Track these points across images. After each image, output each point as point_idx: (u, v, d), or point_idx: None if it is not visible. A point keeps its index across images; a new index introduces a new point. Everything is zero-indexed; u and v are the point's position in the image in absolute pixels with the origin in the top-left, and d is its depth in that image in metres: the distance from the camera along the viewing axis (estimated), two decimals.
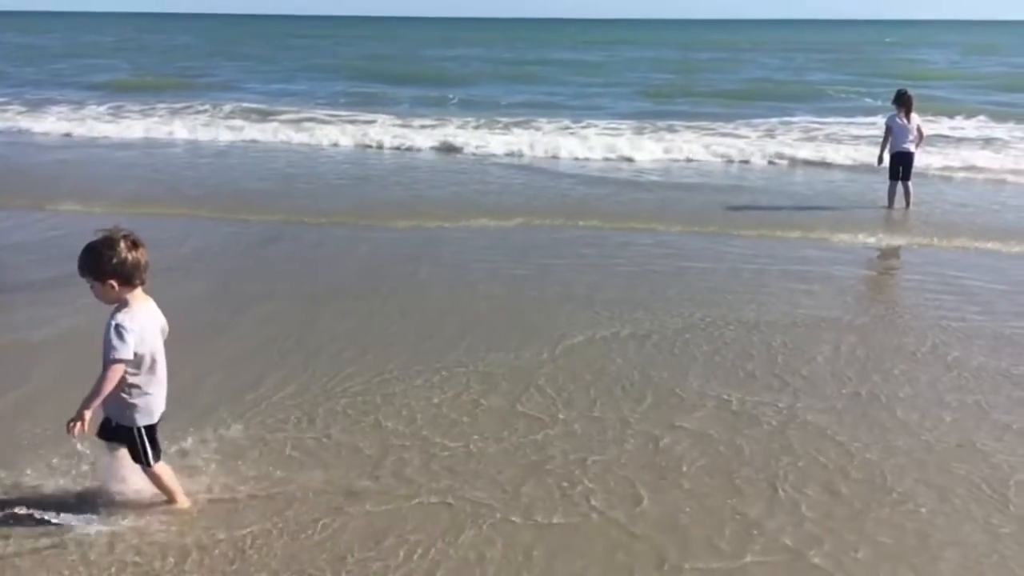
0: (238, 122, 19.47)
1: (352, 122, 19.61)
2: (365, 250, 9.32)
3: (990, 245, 9.60)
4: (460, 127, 19.00)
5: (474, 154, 16.16)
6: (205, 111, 21.46)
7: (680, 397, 5.53)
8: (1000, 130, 19.69)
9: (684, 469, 4.66)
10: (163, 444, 4.12)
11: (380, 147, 16.88)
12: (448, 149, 16.60)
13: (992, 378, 5.89)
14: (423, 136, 17.53)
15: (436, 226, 10.33)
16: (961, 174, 14.26)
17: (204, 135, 18.08)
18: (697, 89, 29.32)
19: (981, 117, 21.63)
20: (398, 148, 16.80)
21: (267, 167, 14.82)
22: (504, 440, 4.92)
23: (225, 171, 14.52)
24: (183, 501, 4.11)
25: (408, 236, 9.98)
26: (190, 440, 4.72)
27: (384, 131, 18.16)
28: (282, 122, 19.50)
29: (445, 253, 9.18)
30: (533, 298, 7.59)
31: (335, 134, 17.77)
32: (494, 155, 15.97)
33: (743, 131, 19.02)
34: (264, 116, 20.58)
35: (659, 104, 24.52)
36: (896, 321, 7.28)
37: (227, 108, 21.84)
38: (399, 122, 19.74)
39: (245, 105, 22.43)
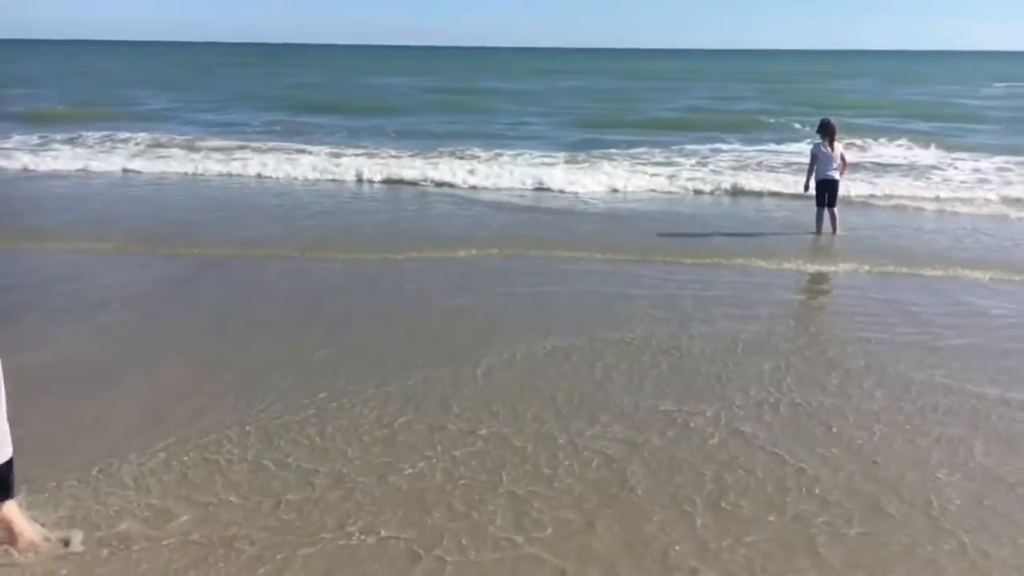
0: (168, 152, 19.12)
1: (286, 152, 19.40)
2: (299, 282, 9.15)
3: (912, 269, 9.87)
4: (396, 157, 18.92)
5: (411, 184, 16.03)
6: (134, 141, 21.03)
7: (622, 412, 5.56)
8: (923, 156, 20.41)
9: (629, 486, 4.68)
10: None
11: (315, 178, 16.66)
12: (385, 180, 16.44)
13: (922, 390, 6.09)
14: (359, 167, 17.35)
15: (374, 258, 10.20)
16: (884, 200, 14.68)
17: (134, 166, 17.65)
18: (631, 118, 29.78)
19: (902, 142, 22.44)
20: (333, 179, 16.58)
21: (199, 199, 14.54)
22: (425, 466, 4.84)
23: (155, 204, 14.16)
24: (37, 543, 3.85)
25: (343, 269, 9.83)
26: (80, 477, 4.56)
27: (319, 162, 17.96)
28: (213, 153, 19.16)
29: (381, 284, 9.09)
30: (467, 323, 7.55)
31: (268, 165, 17.49)
32: (431, 185, 15.90)
33: (677, 159, 19.37)
34: (195, 147, 20.25)
35: (594, 133, 24.74)
36: (825, 340, 7.49)
37: (157, 138, 21.44)
38: (334, 152, 19.58)
39: (176, 136, 22.06)
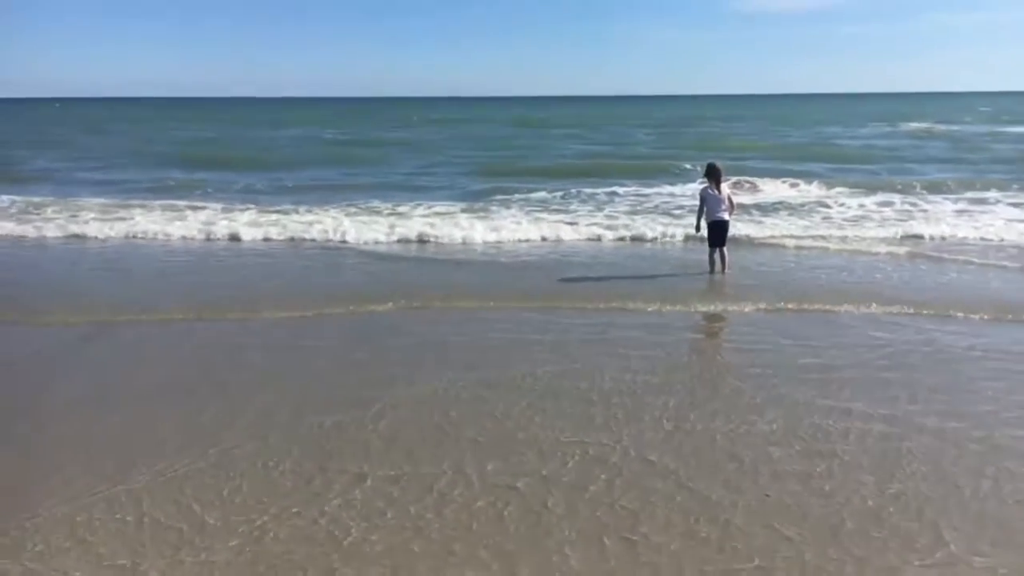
0: (54, 215, 18.26)
1: (175, 210, 18.81)
2: (189, 344, 8.80)
3: (800, 304, 10.20)
4: (291, 212, 18.53)
5: (308, 241, 15.61)
6: (16, 204, 20.03)
7: (526, 450, 5.52)
8: (807, 196, 21.34)
9: (544, 520, 4.82)
10: None
11: (204, 236, 16.03)
12: (279, 237, 15.91)
13: (821, 412, 6.33)
14: (252, 224, 16.89)
15: (269, 316, 9.92)
16: (771, 239, 15.18)
17: (15, 231, 16.69)
18: (529, 166, 30.25)
19: (787, 182, 23.44)
20: (227, 238, 15.95)
21: (86, 263, 13.87)
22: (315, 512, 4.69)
23: (38, 269, 13.51)
24: None
25: (235, 328, 9.52)
26: None
27: (209, 219, 17.47)
28: (95, 213, 18.36)
29: (275, 341, 8.83)
30: (366, 375, 7.40)
31: (158, 224, 16.85)
32: (328, 241, 15.53)
33: (574, 205, 19.68)
34: (77, 207, 19.38)
35: (493, 182, 24.90)
36: (724, 374, 7.72)
37: (40, 200, 20.47)
38: (226, 208, 19.10)
39: (61, 197, 21.12)
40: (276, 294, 11.07)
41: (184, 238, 15.97)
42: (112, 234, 16.24)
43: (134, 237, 16.06)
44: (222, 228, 16.39)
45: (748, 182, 23.27)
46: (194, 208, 19.14)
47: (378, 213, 18.42)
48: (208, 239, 15.86)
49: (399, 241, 15.37)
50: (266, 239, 15.74)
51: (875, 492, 5.25)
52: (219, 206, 19.51)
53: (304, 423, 6.41)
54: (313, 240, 15.57)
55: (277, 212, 18.44)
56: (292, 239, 15.67)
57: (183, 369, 7.99)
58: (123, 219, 17.46)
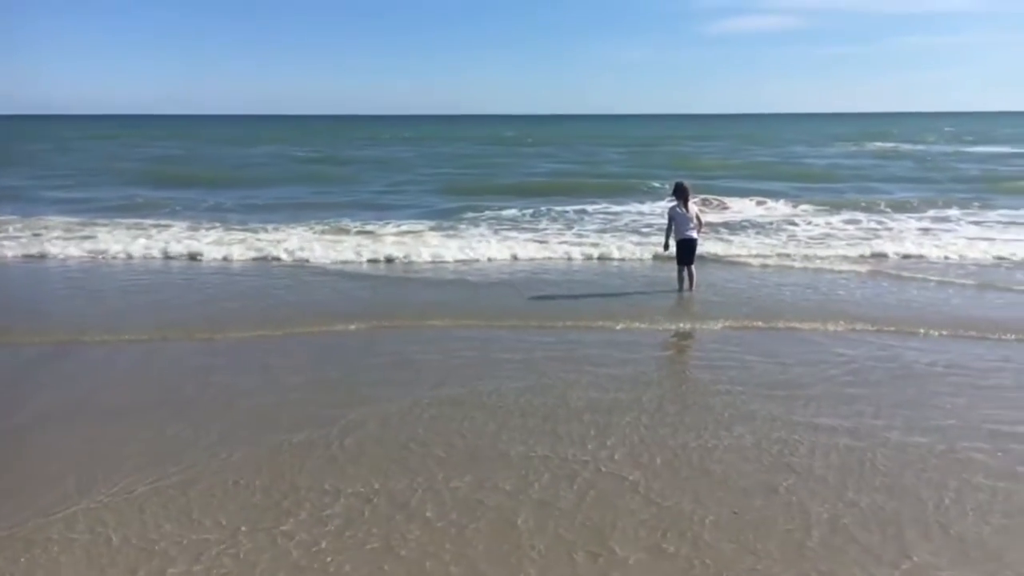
0: (16, 233, 17.96)
1: (141, 229, 18.60)
2: (154, 364, 8.68)
3: (767, 322, 10.31)
4: (259, 230, 18.38)
5: (274, 260, 15.31)
6: None
7: (499, 464, 5.49)
8: (775, 214, 21.62)
9: (513, 537, 4.79)
10: None
11: (172, 255, 15.66)
12: (248, 256, 15.59)
13: (788, 428, 6.39)
14: (218, 243, 16.69)
15: (236, 336, 9.82)
16: (739, 257, 15.33)
17: None
18: (499, 183, 30.35)
19: (755, 201, 23.73)
20: (191, 257, 15.61)
21: (49, 282, 13.66)
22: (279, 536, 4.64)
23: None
24: None
25: (202, 347, 9.41)
26: None
27: (177, 237, 17.23)
28: (60, 232, 18.09)
29: (240, 361, 8.73)
30: (332, 395, 7.33)
31: (122, 243, 16.51)
32: (296, 260, 15.34)
33: (544, 224, 19.75)
34: (47, 226, 19.08)
35: (463, 200, 24.91)
36: (692, 388, 7.79)
37: (3, 219, 20.08)
38: (192, 227, 18.91)
39: (25, 216, 20.74)
40: (242, 314, 10.97)
41: (146, 257, 15.67)
42: (76, 253, 15.94)
43: (98, 256, 15.79)
44: (186, 247, 16.12)
45: (716, 200, 23.53)
46: (160, 227, 18.92)
47: (347, 232, 18.38)
48: (173, 258, 15.62)
49: (368, 260, 15.24)
50: (227, 258, 15.41)
51: (840, 506, 5.30)
52: (186, 224, 19.33)
53: (270, 441, 6.36)
54: (278, 259, 15.33)
55: (245, 231, 18.29)
56: (260, 258, 15.48)
57: (147, 389, 7.87)
58: (88, 237, 17.23)
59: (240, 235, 17.65)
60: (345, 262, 15.10)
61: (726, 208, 22.85)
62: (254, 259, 15.44)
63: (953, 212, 21.58)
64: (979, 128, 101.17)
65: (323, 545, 4.81)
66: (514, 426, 6.68)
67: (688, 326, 10.39)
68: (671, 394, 7.71)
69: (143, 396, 7.64)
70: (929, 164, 41.13)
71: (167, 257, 15.66)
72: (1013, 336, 9.68)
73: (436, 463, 5.95)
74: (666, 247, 12.66)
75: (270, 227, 18.76)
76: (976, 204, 22.92)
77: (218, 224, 19.36)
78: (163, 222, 19.76)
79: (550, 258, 15.48)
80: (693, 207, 12.53)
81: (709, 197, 23.44)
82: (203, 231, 18.25)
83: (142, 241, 16.68)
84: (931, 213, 21.39)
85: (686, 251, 12.31)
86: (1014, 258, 14.99)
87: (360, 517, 5.14)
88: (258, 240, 16.94)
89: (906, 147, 57.31)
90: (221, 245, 16.33)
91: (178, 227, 18.91)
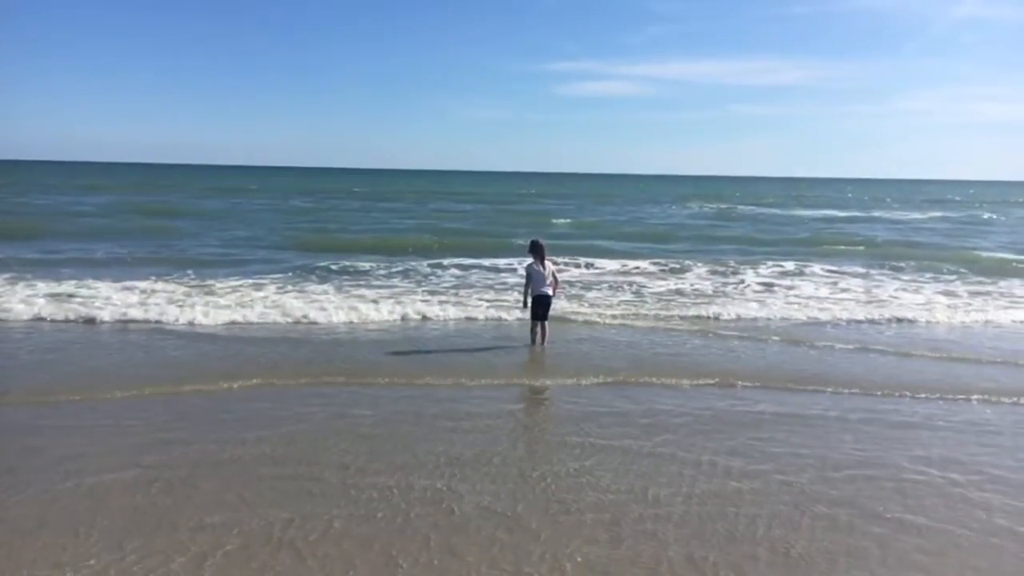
0: None
1: None
2: None
3: (614, 377, 10.60)
4: (77, 288, 16.62)
5: (102, 321, 13.88)
6: None
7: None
8: (628, 272, 22.34)
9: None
10: None
11: None
12: (79, 319, 13.97)
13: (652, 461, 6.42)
14: (38, 303, 14.89)
15: (55, 400, 9.10)
16: (590, 314, 15.56)
17: None
18: (352, 239, 30.02)
19: (609, 260, 24.46)
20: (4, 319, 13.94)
21: None
22: None
23: None
24: None
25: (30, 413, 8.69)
26: None
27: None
28: None
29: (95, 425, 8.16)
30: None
31: None
32: (131, 321, 13.94)
33: (395, 281, 19.56)
34: None
35: (309, 256, 24.22)
36: (548, 438, 8.13)
37: None
38: (12, 281, 17.19)
39: None
40: (80, 379, 10.16)
41: None
42: None
43: None
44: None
45: (573, 260, 24.06)
46: None
47: (189, 287, 17.39)
48: None
49: (219, 321, 14.01)
50: (56, 318, 14.08)
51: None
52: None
53: None
54: (103, 321, 13.90)
55: (70, 287, 16.76)
56: (91, 322, 13.90)
57: None
58: None
59: (70, 288, 16.35)
60: (192, 323, 14.01)
61: (581, 267, 23.33)
62: (89, 322, 13.86)
63: (791, 264, 23.44)
64: (809, 192, 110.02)
65: None
66: (360, 480, 6.43)
67: (540, 381, 10.57)
68: (521, 445, 7.80)
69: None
70: (763, 225, 44.04)
71: None
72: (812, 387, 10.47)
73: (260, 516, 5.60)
74: (524, 304, 12.79)
75: (94, 283, 17.31)
76: (813, 266, 24.13)
77: (40, 280, 17.73)
78: None
79: (402, 315, 14.93)
80: (549, 265, 12.76)
81: (576, 257, 24.19)
82: (12, 287, 16.48)
83: None
84: (765, 271, 22.64)
85: (541, 307, 12.52)
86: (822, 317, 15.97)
87: None
88: (93, 300, 15.69)
89: (742, 208, 61.17)
90: (42, 307, 14.85)
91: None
